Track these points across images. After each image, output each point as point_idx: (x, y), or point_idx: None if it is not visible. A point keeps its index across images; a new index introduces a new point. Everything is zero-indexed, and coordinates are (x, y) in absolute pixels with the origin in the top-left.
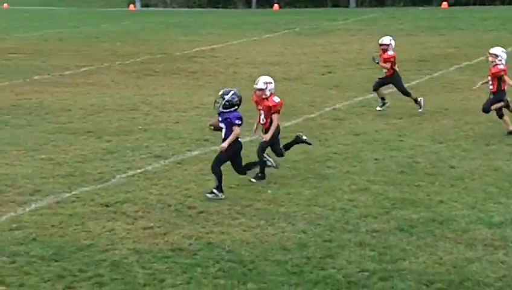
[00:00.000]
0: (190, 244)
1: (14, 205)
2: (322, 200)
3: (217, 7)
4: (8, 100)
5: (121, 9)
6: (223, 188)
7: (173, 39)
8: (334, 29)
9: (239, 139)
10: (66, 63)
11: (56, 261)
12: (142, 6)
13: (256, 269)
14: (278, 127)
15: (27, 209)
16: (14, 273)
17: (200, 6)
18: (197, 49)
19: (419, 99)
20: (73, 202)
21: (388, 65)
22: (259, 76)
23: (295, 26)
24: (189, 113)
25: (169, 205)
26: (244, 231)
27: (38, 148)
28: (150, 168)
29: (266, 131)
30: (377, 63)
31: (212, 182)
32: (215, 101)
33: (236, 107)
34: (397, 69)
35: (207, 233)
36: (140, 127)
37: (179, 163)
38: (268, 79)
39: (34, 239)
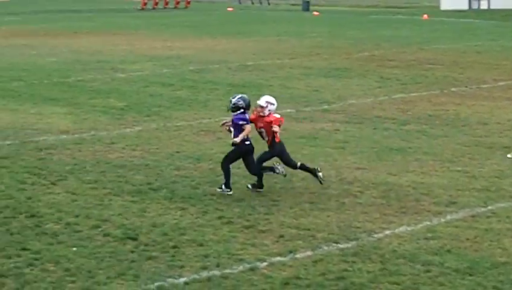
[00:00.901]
0: None
1: (429, 215)
2: None
3: None
4: (426, 110)
5: None
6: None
7: None
8: None
9: (247, 142)
10: (483, 76)
11: (470, 275)
12: None
13: None
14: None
15: (442, 220)
16: (428, 282)
17: None
18: None
19: None
20: (489, 217)
21: None
22: None
23: None
24: None
25: None
26: None
27: (454, 159)
28: None
29: (269, 147)
30: None
31: None
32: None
33: (242, 110)
34: None
35: None
36: None
37: None
38: (272, 100)
39: (449, 251)
